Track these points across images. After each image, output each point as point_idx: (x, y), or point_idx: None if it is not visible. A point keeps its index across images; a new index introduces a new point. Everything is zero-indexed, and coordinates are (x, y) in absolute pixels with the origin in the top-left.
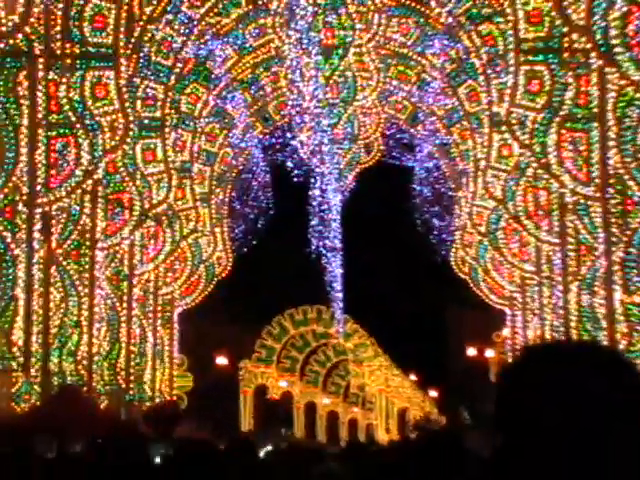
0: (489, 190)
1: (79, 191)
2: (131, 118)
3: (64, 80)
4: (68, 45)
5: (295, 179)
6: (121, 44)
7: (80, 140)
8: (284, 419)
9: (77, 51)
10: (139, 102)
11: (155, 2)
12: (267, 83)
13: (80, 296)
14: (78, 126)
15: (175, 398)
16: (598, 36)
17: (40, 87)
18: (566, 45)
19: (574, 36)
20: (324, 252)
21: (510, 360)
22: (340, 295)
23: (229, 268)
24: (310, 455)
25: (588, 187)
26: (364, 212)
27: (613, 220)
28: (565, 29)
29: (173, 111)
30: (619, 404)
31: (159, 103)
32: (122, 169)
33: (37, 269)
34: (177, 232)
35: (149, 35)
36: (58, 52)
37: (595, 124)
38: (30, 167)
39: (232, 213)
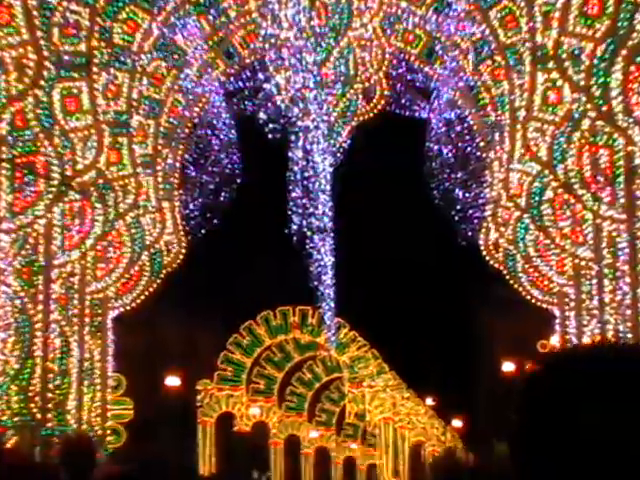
0: (531, 149)
1: None
2: (45, 53)
3: None
4: None
5: (270, 136)
6: None
7: None
8: (257, 459)
9: None
10: (56, 31)
11: None
12: (231, 5)
13: None
14: None
15: (100, 432)
16: None
17: None
18: None
19: None
20: (309, 234)
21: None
22: (331, 292)
23: (182, 257)
24: None
25: None
26: (362, 181)
27: None
28: None
29: (103, 44)
30: None
31: (83, 33)
32: (34, 123)
33: None
34: (111, 209)
35: None
36: None
37: None
38: None
39: (185, 182)
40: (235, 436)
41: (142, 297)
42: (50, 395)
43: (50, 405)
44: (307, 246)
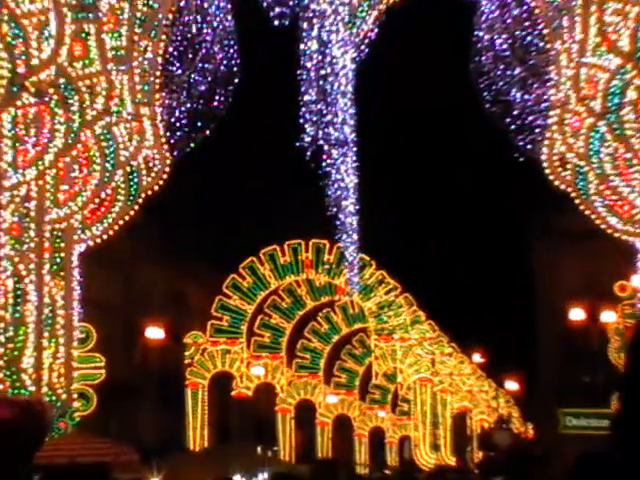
0: (608, 38)
1: None
2: None
3: None
4: None
5: (276, 23)
6: None
7: None
8: (261, 431)
9: None
10: None
11: None
12: None
13: None
14: None
15: (64, 397)
16: None
17: None
18: None
19: None
20: (326, 149)
21: None
22: (353, 222)
23: (165, 178)
24: None
25: None
26: (392, 81)
27: None
28: None
29: None
30: None
31: None
32: None
33: None
34: (75, 116)
35: None
36: None
37: None
38: None
39: (169, 83)
40: (233, 402)
41: (115, 228)
42: (1, 350)
43: (1, 362)
44: (323, 164)
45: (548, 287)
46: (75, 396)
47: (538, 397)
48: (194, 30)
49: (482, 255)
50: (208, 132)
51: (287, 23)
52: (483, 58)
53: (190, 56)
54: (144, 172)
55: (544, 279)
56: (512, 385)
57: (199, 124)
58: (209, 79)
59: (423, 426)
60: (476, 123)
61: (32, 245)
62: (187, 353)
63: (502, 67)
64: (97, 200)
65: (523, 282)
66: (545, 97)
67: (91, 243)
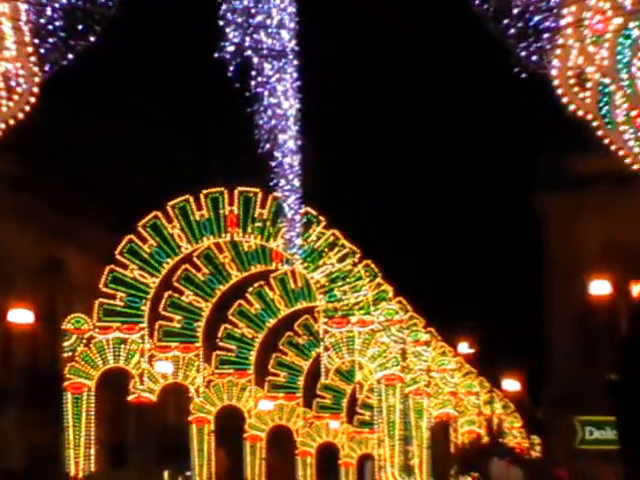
0: None
1: None
2: None
3: None
4: None
5: None
6: None
7: None
8: (167, 447)
9: None
10: None
11: None
12: None
13: None
14: None
15: None
16: None
17: None
18: None
19: None
20: (257, 61)
21: None
22: (295, 162)
23: (32, 100)
24: None
25: None
26: None
27: None
28: None
29: None
30: None
31: None
32: None
33: None
34: None
35: None
36: None
37: None
38: None
39: None
40: (131, 410)
41: None
42: None
43: None
44: (252, 82)
45: (561, 253)
46: None
47: (547, 401)
48: None
49: (473, 209)
50: (92, 38)
51: None
52: None
53: None
54: (3, 94)
55: (556, 242)
56: (512, 385)
57: (80, 27)
58: None
59: (390, 441)
60: (460, 28)
61: None
62: (66, 344)
63: None
64: None
65: (528, 246)
66: None
67: None
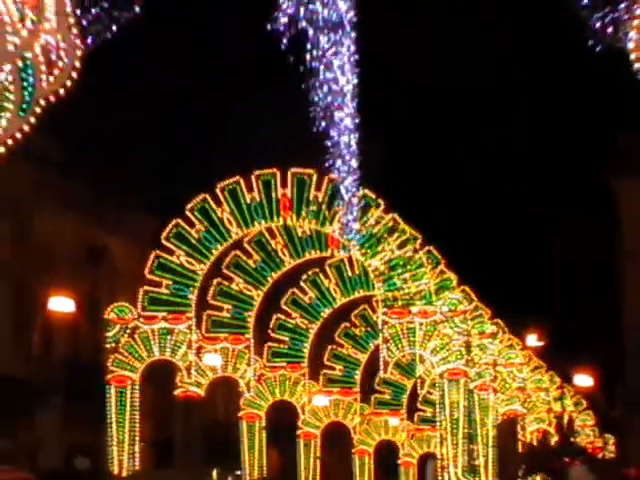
0: None
1: None
2: None
3: None
4: None
5: None
6: None
7: None
8: (216, 444)
9: None
10: None
11: None
12: None
13: None
14: None
15: None
16: None
17: None
18: None
19: None
20: (312, 34)
21: None
22: (353, 142)
23: (75, 76)
24: None
25: None
26: None
27: None
28: None
29: None
30: None
31: None
32: None
33: None
34: None
35: None
36: None
37: None
38: None
39: None
40: (177, 405)
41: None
42: None
43: None
44: (307, 56)
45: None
46: None
47: (624, 398)
48: None
49: (543, 196)
50: (137, 9)
51: None
52: None
53: None
54: (43, 68)
55: (633, 227)
56: (584, 380)
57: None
58: None
59: (454, 439)
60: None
61: None
62: (109, 334)
63: None
64: None
65: (601, 234)
66: None
67: None
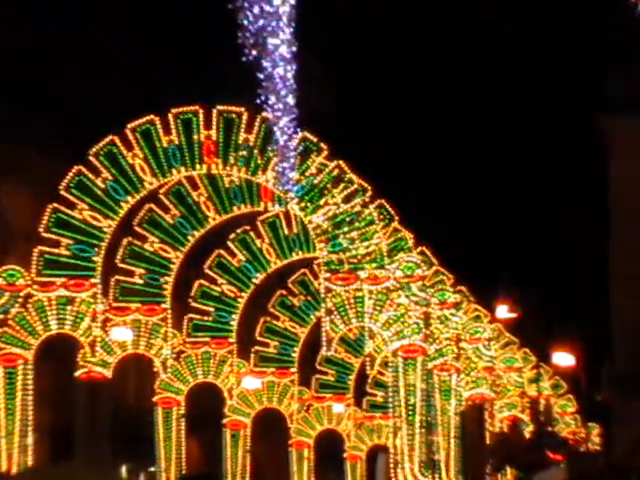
0: None
1: None
2: None
3: None
4: None
5: None
6: None
7: None
8: (125, 435)
9: None
10: None
11: None
12: None
13: None
14: None
15: None
16: None
17: None
18: None
19: None
20: None
21: None
22: (290, 74)
23: None
24: None
25: None
26: None
27: None
28: None
29: None
30: None
31: None
32: None
33: None
34: None
35: None
36: None
37: None
38: None
39: None
40: (80, 388)
41: None
42: None
43: None
44: None
45: (630, 190)
46: None
47: (611, 379)
48: None
49: (521, 134)
50: None
51: None
52: None
53: None
54: None
55: (622, 177)
56: (564, 359)
57: None
58: None
59: (410, 429)
60: None
61: None
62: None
63: None
64: None
65: (587, 183)
66: None
67: None
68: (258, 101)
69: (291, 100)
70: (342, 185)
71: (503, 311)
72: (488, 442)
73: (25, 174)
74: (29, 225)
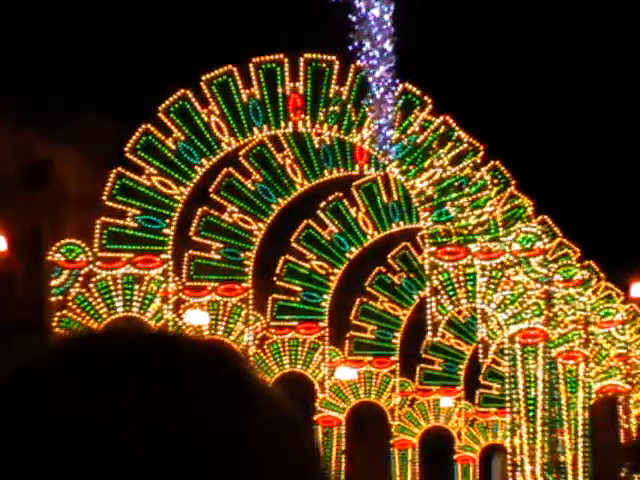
0: None
1: None
2: None
3: None
4: None
5: None
6: None
7: None
8: None
9: None
10: None
11: None
12: None
13: None
14: None
15: None
16: None
17: None
18: None
19: None
20: None
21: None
22: (388, 18)
23: None
24: None
25: None
26: None
27: None
28: None
29: None
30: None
31: None
32: None
33: None
34: None
35: None
36: None
37: None
38: None
39: None
40: None
41: None
42: None
43: None
44: None
45: None
46: None
47: None
48: None
49: None
50: None
51: None
52: None
53: None
54: None
55: None
56: None
57: None
58: None
59: (530, 426)
60: None
61: None
62: (54, 282)
63: None
64: None
65: None
66: None
67: None
68: (351, 48)
69: (389, 46)
70: (449, 144)
71: (639, 290)
72: (622, 441)
73: (83, 137)
74: (89, 193)
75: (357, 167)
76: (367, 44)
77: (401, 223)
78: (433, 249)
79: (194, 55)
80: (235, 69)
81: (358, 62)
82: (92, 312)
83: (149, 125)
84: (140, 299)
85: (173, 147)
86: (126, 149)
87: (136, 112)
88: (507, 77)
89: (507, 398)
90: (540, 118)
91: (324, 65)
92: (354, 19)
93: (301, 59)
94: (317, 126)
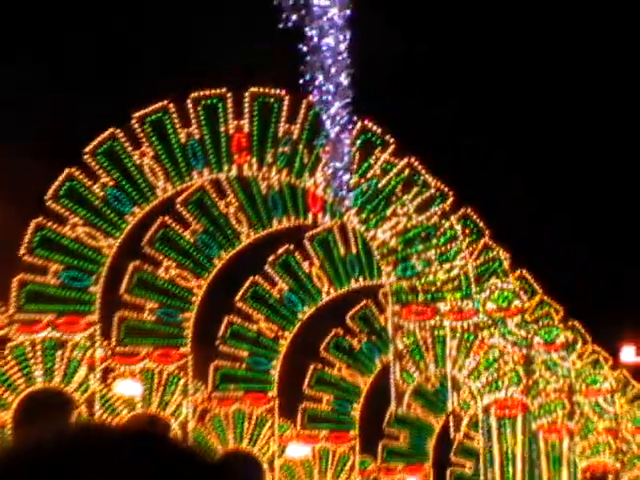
0: None
1: None
2: None
3: None
4: None
5: None
6: None
7: None
8: None
9: None
10: None
11: None
12: None
13: None
14: None
15: None
16: None
17: None
18: None
19: None
20: None
21: None
22: (343, 47)
23: None
24: None
25: None
26: None
27: None
28: None
29: None
30: None
31: None
32: None
33: None
34: None
35: None
36: None
37: None
38: None
39: None
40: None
41: None
42: None
43: None
44: None
45: None
46: None
47: None
48: None
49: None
50: None
51: None
52: None
53: None
54: None
55: None
56: None
57: None
58: None
59: None
60: None
61: None
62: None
63: None
64: None
65: None
66: None
67: None
68: (303, 81)
69: (345, 79)
70: (415, 190)
71: (630, 354)
72: None
73: (1, 180)
74: (7, 246)
75: (310, 216)
76: (320, 77)
77: (360, 279)
78: (397, 308)
79: (124, 89)
80: (171, 105)
81: (310, 97)
82: (8, 383)
83: (73, 169)
84: (63, 367)
85: (101, 194)
86: (47, 196)
87: (59, 153)
88: (479, 115)
89: (481, 478)
90: (516, 159)
91: (272, 100)
92: (305, 49)
93: (246, 93)
94: (264, 169)
